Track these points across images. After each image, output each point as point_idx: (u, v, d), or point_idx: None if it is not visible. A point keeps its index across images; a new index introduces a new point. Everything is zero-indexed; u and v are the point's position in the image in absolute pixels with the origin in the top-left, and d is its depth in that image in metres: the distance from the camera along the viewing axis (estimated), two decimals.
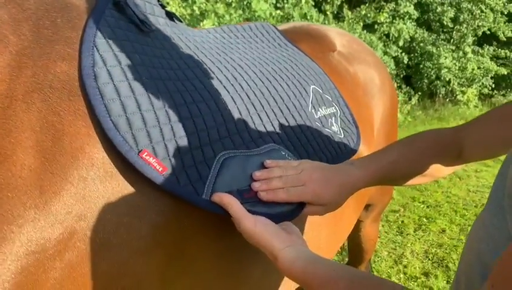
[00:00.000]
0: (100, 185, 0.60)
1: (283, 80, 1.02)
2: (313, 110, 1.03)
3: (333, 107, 1.10)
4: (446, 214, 3.49)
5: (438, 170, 0.91)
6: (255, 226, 0.68)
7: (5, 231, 0.51)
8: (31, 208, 0.53)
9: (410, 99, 7.07)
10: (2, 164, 0.52)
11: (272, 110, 0.92)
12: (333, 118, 1.08)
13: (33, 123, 0.56)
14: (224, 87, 0.86)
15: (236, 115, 0.83)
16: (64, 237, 0.56)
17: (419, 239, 3.10)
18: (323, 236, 1.03)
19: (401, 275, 2.66)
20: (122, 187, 0.62)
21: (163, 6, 0.92)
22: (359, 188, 0.83)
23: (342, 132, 1.07)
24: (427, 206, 3.66)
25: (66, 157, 0.57)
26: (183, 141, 0.71)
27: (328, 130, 1.03)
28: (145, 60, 0.74)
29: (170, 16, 0.94)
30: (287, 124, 0.93)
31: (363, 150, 1.16)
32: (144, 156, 0.64)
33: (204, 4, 5.81)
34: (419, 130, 5.25)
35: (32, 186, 0.54)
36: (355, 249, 1.65)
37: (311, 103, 1.04)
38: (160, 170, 0.65)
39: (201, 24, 5.42)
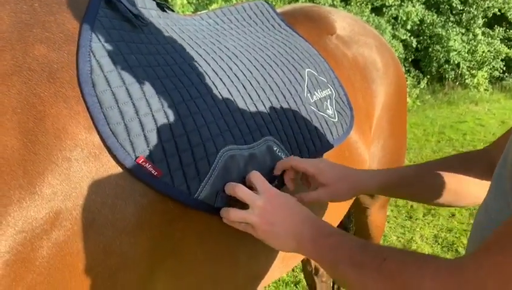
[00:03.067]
0: (84, 165, 0.59)
1: (278, 66, 1.01)
2: (308, 95, 1.02)
3: (328, 89, 1.09)
4: None
5: (470, 187, 0.83)
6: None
7: None
8: (16, 188, 0.53)
9: (419, 83, 6.98)
10: None
11: (268, 98, 0.92)
12: (328, 100, 1.07)
13: (14, 105, 0.55)
14: (221, 79, 0.86)
15: (233, 108, 0.84)
16: (50, 217, 0.55)
17: (428, 224, 3.07)
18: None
19: None
20: (106, 168, 0.62)
21: None
22: (372, 188, 0.87)
23: (336, 114, 1.07)
24: None
25: (48, 138, 0.56)
26: (183, 140, 0.71)
27: (322, 114, 1.03)
28: (141, 60, 0.74)
29: (161, 6, 0.93)
30: (282, 112, 0.93)
31: (356, 138, 1.14)
32: (140, 162, 0.65)
33: None
34: (428, 115, 5.19)
35: (16, 166, 0.53)
36: (361, 236, 1.62)
37: (307, 87, 1.03)
38: (155, 174, 0.66)
39: (209, 8, 5.39)
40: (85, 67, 0.64)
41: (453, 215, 3.19)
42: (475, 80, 7.17)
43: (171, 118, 0.71)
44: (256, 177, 0.76)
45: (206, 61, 0.87)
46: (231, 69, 0.89)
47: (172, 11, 0.97)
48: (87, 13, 0.71)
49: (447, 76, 7.30)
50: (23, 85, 0.57)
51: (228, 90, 0.85)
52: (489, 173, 0.79)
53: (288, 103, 0.95)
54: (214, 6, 5.39)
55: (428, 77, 7.21)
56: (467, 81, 7.22)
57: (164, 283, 0.74)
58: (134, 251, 0.65)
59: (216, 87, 0.83)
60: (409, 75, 7.01)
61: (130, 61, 0.71)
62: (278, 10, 1.36)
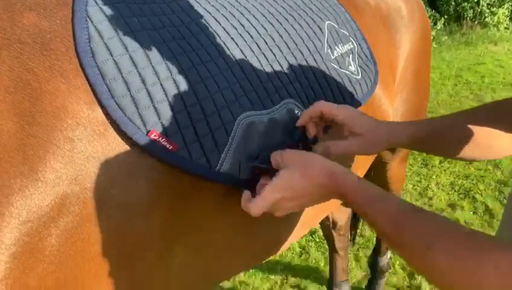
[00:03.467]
0: (89, 145, 0.55)
1: (295, 20, 0.92)
2: (329, 51, 0.94)
3: (350, 43, 1.00)
4: None
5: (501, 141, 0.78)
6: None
7: None
8: (17, 176, 0.49)
9: (435, 24, 6.67)
10: None
11: (285, 57, 0.84)
12: (350, 55, 0.99)
13: (6, 84, 0.50)
14: (233, 39, 0.78)
15: (248, 70, 0.77)
16: (56, 203, 0.52)
17: (444, 171, 3.03)
18: None
19: (427, 208, 2.62)
20: (113, 146, 0.58)
21: None
22: (402, 140, 0.78)
23: (359, 70, 0.99)
24: None
25: (47, 118, 0.52)
26: (196, 109, 0.66)
27: (345, 71, 0.95)
28: (145, 23, 0.67)
29: None
30: (301, 71, 0.85)
31: (379, 94, 1.06)
32: (152, 136, 0.60)
33: None
34: (444, 57, 4.97)
35: (14, 152, 0.49)
36: None
37: (327, 42, 0.94)
38: (170, 148, 0.62)
39: None
40: (82, 35, 0.58)
41: (470, 161, 3.13)
42: (495, 18, 6.82)
43: (182, 86, 0.65)
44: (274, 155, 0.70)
45: (216, 19, 0.79)
46: (243, 27, 0.81)
47: None
48: None
49: (465, 15, 6.94)
50: (14, 60, 0.51)
51: (241, 50, 0.78)
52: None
53: (307, 61, 0.87)
54: None
55: (446, 17, 6.87)
56: (486, 19, 6.87)
57: (182, 257, 0.72)
58: (149, 230, 0.62)
59: (228, 48, 0.76)
60: None
61: (132, 24, 0.65)
62: None
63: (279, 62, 0.83)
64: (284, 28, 0.88)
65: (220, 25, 0.78)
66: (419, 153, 3.26)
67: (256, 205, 0.64)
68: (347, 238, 1.85)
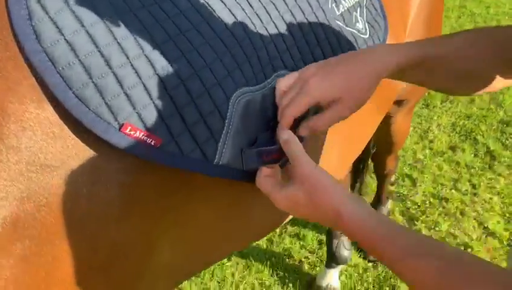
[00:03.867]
0: (40, 153, 0.44)
1: None
2: (333, 5, 0.79)
3: None
4: None
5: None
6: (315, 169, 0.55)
7: None
8: None
9: None
10: None
11: (282, 17, 0.70)
12: (358, 9, 0.84)
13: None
14: (219, 0, 0.64)
15: (239, 35, 0.63)
16: (5, 229, 0.41)
17: (446, 111, 2.93)
18: (334, 157, 0.86)
19: (427, 151, 2.56)
20: (73, 150, 0.47)
21: None
22: (391, 72, 0.63)
23: (367, 28, 0.85)
24: None
25: None
26: (180, 91, 0.54)
27: (351, 29, 0.81)
28: None
29: None
30: (301, 34, 0.71)
31: None
32: (127, 131, 0.48)
33: None
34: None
35: None
36: (383, 141, 1.50)
37: None
38: (153, 143, 0.50)
39: None
40: (19, 11, 0.44)
41: (473, 100, 3.02)
42: None
43: (158, 64, 0.53)
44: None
45: None
46: None
47: None
48: None
49: None
50: None
51: (230, 10, 0.63)
52: None
53: (308, 21, 0.73)
54: None
55: None
56: None
57: (171, 250, 0.64)
58: (127, 236, 0.53)
59: (213, 10, 0.62)
60: None
61: None
62: None
63: (275, 24, 0.69)
64: None
65: None
66: None
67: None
68: (347, 189, 1.79)
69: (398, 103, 1.30)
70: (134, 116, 0.49)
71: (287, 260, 1.91)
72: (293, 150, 0.57)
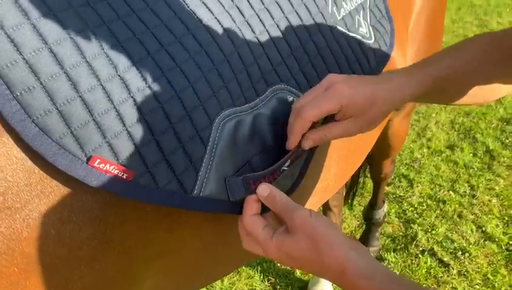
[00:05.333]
0: None
1: None
2: (334, 9, 0.71)
3: None
4: None
5: (495, 89, 0.72)
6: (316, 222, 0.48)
7: None
8: None
9: None
10: None
11: (277, 25, 0.63)
12: (361, 11, 0.77)
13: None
14: (205, 5, 0.56)
15: (227, 48, 0.56)
16: None
17: (445, 108, 2.86)
18: (332, 173, 0.79)
19: (425, 150, 2.49)
20: (37, 187, 0.41)
21: None
22: (405, 102, 0.64)
23: (371, 32, 0.78)
24: None
25: None
26: (158, 115, 0.47)
27: (354, 35, 0.73)
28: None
29: None
30: (298, 43, 0.64)
31: (393, 54, 0.85)
32: (95, 165, 0.42)
33: None
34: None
35: None
36: (380, 145, 1.42)
37: None
38: (124, 176, 0.44)
39: None
40: None
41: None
42: None
43: (133, 85, 0.46)
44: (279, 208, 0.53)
45: None
46: None
47: None
48: None
49: None
50: None
51: (218, 21, 0.56)
52: None
53: (306, 28, 0.66)
54: None
55: None
56: None
57: (154, 281, 0.58)
58: (104, 274, 0.47)
59: (200, 19, 0.54)
60: None
61: (51, 1, 0.43)
62: None
63: (269, 33, 0.61)
64: None
65: None
66: None
67: (250, 245, 0.53)
68: (342, 195, 1.72)
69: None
70: (104, 147, 0.43)
71: (278, 265, 1.85)
72: (281, 202, 0.51)
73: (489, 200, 2.12)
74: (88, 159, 0.42)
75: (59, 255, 0.43)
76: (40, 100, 0.40)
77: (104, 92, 0.43)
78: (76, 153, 0.41)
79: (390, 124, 1.33)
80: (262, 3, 0.62)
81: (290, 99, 0.61)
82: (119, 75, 0.45)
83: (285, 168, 0.58)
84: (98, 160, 0.42)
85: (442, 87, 0.64)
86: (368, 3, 0.78)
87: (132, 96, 0.45)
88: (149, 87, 0.47)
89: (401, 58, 0.91)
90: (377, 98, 0.59)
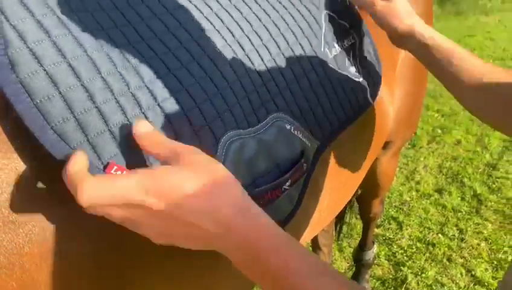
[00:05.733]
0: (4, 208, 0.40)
1: (286, 11, 0.73)
2: (326, 49, 0.77)
3: (351, 37, 0.83)
4: (462, 123, 3.25)
5: None
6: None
7: None
8: None
9: None
10: None
11: (274, 60, 0.67)
12: (351, 52, 0.82)
13: None
14: (210, 38, 0.61)
15: (231, 78, 0.60)
16: None
17: (432, 152, 2.92)
18: (325, 205, 0.81)
19: (414, 193, 2.52)
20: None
21: None
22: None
23: (360, 71, 0.83)
24: (442, 116, 3.41)
25: None
26: (167, 131, 0.50)
27: (345, 73, 0.79)
28: (87, 20, 0.49)
29: None
30: (293, 77, 0.69)
31: (381, 93, 0.91)
32: (112, 171, 0.43)
33: None
34: (435, 27, 4.79)
35: None
36: (369, 185, 1.45)
37: (324, 38, 0.77)
38: None
39: None
40: None
41: (459, 142, 3.02)
42: None
43: (144, 103, 0.49)
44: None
45: (189, 11, 0.61)
46: (223, 22, 0.64)
47: None
48: None
49: None
50: None
51: (221, 52, 0.60)
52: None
53: (300, 64, 0.71)
54: None
55: None
56: None
57: None
58: None
59: (204, 51, 0.59)
60: None
61: (72, 20, 0.47)
62: None
63: (266, 66, 0.65)
64: (274, 23, 0.70)
65: (195, 18, 0.61)
66: None
67: (87, 191, 0.36)
68: (331, 234, 1.72)
69: (384, 145, 1.26)
70: (118, 157, 0.45)
71: None
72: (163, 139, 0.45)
73: (478, 244, 2.13)
74: (105, 167, 0.43)
75: (59, 272, 0.43)
76: (58, 108, 0.42)
77: (118, 106, 0.46)
78: (93, 160, 0.43)
79: (378, 163, 1.36)
80: (261, 40, 0.66)
81: (288, 127, 0.64)
82: (131, 92, 0.47)
83: (287, 188, 0.60)
84: (115, 167, 0.43)
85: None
86: (358, 46, 0.83)
87: (143, 112, 0.48)
88: (158, 105, 0.49)
89: (389, 96, 0.96)
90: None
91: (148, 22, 0.55)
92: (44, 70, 0.42)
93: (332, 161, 0.82)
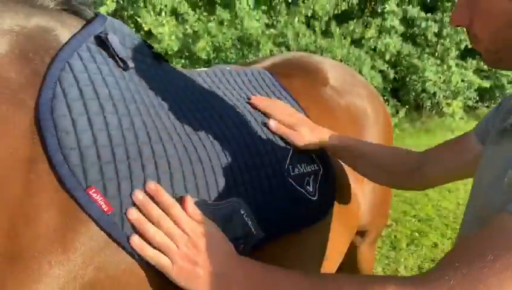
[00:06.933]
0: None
1: (263, 132, 0.98)
2: (290, 167, 0.98)
3: (315, 165, 1.05)
4: (437, 228, 3.54)
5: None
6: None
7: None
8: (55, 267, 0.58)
9: (397, 112, 7.18)
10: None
11: (245, 162, 0.88)
12: (312, 176, 1.02)
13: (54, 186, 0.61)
14: (196, 133, 0.84)
15: (205, 160, 0.81)
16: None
17: (412, 254, 3.15)
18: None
19: None
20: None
21: (150, 47, 0.93)
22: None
23: (316, 193, 1.01)
24: (419, 220, 3.71)
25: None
26: (139, 181, 0.69)
27: (301, 189, 0.98)
28: (115, 94, 0.73)
29: (158, 56, 0.94)
30: (256, 177, 0.89)
31: (355, 187, 1.21)
32: (91, 192, 0.63)
33: (197, 23, 5.88)
34: (407, 143, 5.30)
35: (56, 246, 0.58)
36: (352, 272, 1.68)
37: (290, 158, 0.99)
38: (105, 209, 0.64)
39: (196, 46, 5.46)
40: (47, 93, 0.65)
41: (436, 245, 3.27)
42: (451, 109, 7.42)
43: (132, 155, 0.69)
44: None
45: (185, 113, 0.86)
46: (210, 127, 0.88)
47: (166, 61, 0.97)
48: (66, 46, 0.72)
49: (424, 105, 7.54)
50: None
51: (203, 145, 0.83)
52: (411, 173, 1.05)
53: (265, 171, 0.91)
54: (201, 43, 5.46)
55: (407, 106, 7.44)
56: (443, 109, 7.47)
57: None
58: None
59: (190, 139, 0.82)
60: (388, 105, 7.21)
61: (102, 93, 0.71)
62: (273, 58, 1.43)
63: (238, 164, 0.86)
64: (251, 136, 0.94)
65: (187, 118, 0.86)
66: (388, 236, 3.39)
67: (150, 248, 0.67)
68: None
69: (361, 233, 1.53)
70: (99, 185, 0.64)
71: None
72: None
73: None
74: (87, 187, 0.63)
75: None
76: (70, 141, 0.63)
77: (111, 151, 0.67)
78: (81, 180, 0.62)
79: (357, 251, 1.61)
80: (239, 146, 0.89)
81: (242, 211, 0.81)
82: (125, 146, 0.69)
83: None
84: (93, 189, 0.63)
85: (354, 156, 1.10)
86: (320, 173, 1.05)
87: (128, 161, 0.68)
88: (141, 161, 0.70)
89: (360, 191, 1.26)
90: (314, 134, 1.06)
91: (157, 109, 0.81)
92: (71, 117, 0.65)
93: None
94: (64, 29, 0.74)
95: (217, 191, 0.80)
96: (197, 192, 0.76)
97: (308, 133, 1.04)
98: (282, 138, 1.02)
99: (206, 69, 1.12)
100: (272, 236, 0.87)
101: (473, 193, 0.78)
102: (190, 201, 0.71)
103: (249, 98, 1.05)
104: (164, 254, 0.65)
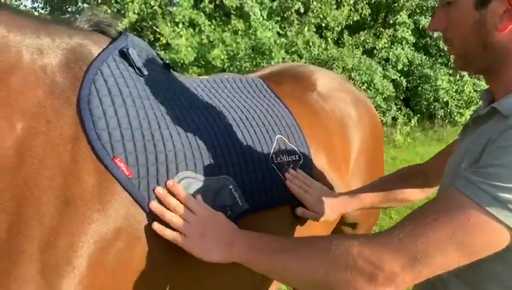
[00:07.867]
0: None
1: (252, 127, 1.20)
2: (273, 156, 1.20)
3: (296, 155, 1.25)
4: None
5: (411, 194, 1.24)
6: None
7: (80, 228, 0.78)
8: (94, 213, 0.80)
9: (409, 120, 7.28)
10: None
11: (236, 149, 1.10)
12: (292, 164, 1.23)
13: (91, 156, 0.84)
14: (196, 124, 1.07)
15: (202, 145, 1.03)
16: (115, 231, 0.82)
17: None
18: None
19: None
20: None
21: (161, 59, 1.16)
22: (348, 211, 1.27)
23: None
24: None
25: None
26: (152, 156, 0.91)
27: (280, 174, 1.19)
28: (134, 93, 0.95)
29: (167, 66, 1.17)
30: (243, 161, 1.11)
31: (332, 176, 1.39)
32: (116, 161, 0.85)
33: (212, 33, 6.14)
34: (418, 151, 5.42)
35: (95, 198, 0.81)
36: None
37: (273, 149, 1.21)
38: (127, 174, 0.86)
39: (211, 54, 5.69)
40: (85, 91, 0.87)
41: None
42: (463, 118, 7.48)
43: (147, 137, 0.91)
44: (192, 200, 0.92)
45: (189, 111, 1.09)
46: (207, 120, 1.10)
47: (176, 71, 1.19)
48: (97, 57, 0.93)
49: (436, 114, 7.62)
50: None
51: (201, 133, 1.05)
52: (422, 182, 1.18)
53: (251, 156, 1.13)
54: (216, 52, 5.70)
55: (419, 115, 7.53)
56: (456, 118, 7.52)
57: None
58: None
59: (190, 128, 1.04)
60: (400, 113, 7.33)
61: (124, 92, 0.92)
62: (271, 68, 1.64)
63: (228, 148, 1.08)
64: (240, 129, 1.16)
65: (190, 114, 1.08)
66: None
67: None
68: None
69: (352, 225, 1.69)
70: (123, 156, 0.86)
71: None
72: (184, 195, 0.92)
73: None
74: (113, 157, 0.84)
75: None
76: (102, 124, 0.86)
77: (131, 133, 0.89)
78: (109, 152, 0.84)
79: None
80: (230, 136, 1.11)
81: (231, 187, 1.03)
82: (141, 131, 0.91)
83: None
84: (118, 159, 0.84)
85: (372, 204, 1.25)
86: (300, 162, 1.25)
87: (144, 141, 0.90)
88: (153, 141, 0.92)
89: (339, 180, 1.42)
90: (332, 208, 1.22)
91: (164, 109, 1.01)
92: (102, 107, 0.88)
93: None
94: (95, 46, 0.97)
95: (211, 169, 1.02)
96: (195, 168, 0.98)
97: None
98: (268, 134, 1.23)
99: (207, 76, 1.35)
100: (255, 209, 1.09)
101: (442, 181, 0.93)
102: (198, 196, 0.94)
103: (284, 177, 1.21)
104: (178, 232, 0.87)
